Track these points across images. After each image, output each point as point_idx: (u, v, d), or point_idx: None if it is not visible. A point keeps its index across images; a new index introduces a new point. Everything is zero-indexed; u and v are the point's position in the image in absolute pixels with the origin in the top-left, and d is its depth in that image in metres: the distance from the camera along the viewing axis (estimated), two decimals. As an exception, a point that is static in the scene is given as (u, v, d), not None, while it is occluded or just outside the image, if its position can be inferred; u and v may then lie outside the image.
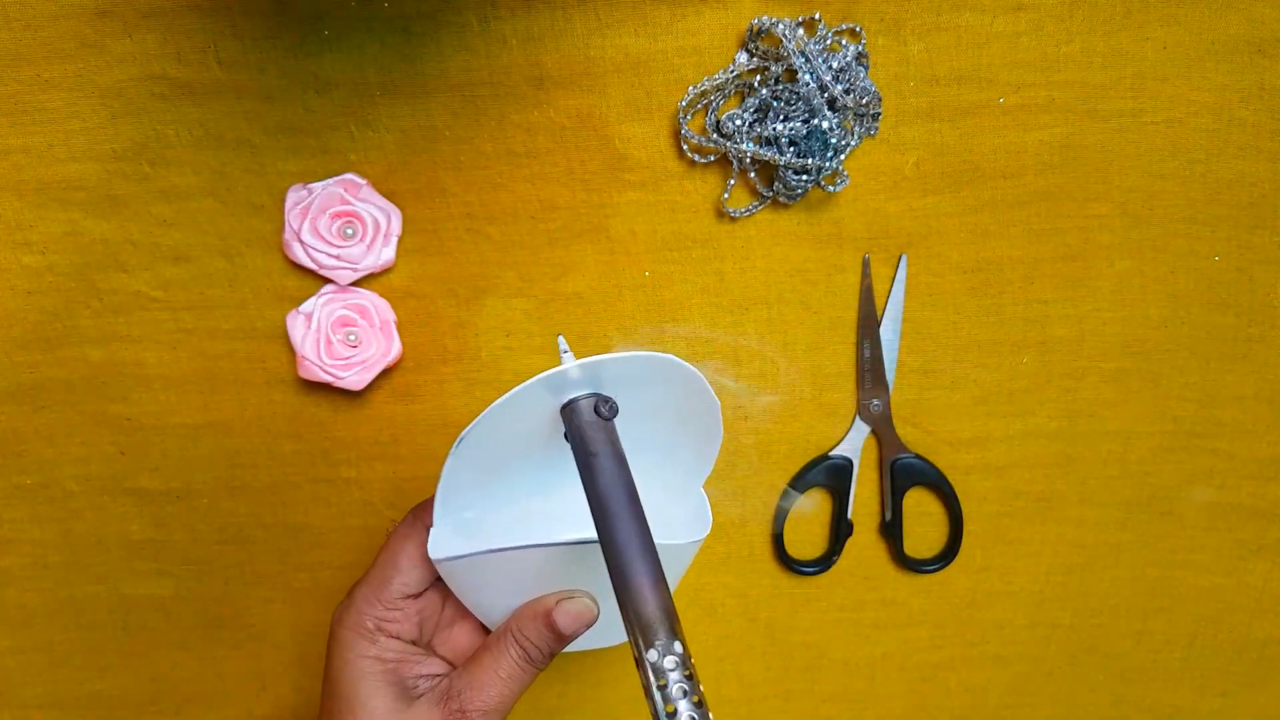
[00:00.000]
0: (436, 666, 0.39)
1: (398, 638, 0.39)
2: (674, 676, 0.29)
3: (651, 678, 0.30)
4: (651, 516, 0.34)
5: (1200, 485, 0.49)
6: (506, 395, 0.34)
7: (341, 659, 0.38)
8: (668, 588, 0.32)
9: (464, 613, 0.41)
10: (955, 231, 0.45)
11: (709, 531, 0.39)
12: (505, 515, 0.39)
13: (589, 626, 0.37)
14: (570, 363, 0.34)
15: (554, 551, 0.37)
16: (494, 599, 0.39)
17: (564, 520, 0.37)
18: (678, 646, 0.30)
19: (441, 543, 0.37)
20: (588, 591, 0.38)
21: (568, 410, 0.35)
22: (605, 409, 0.33)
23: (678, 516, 0.41)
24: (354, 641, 0.38)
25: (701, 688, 0.30)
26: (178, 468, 0.48)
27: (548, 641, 0.37)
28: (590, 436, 0.34)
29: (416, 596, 0.39)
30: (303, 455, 0.48)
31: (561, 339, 0.36)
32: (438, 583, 0.40)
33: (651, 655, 0.30)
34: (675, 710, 0.29)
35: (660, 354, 0.36)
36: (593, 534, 0.34)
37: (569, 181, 0.44)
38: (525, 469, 0.39)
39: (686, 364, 0.36)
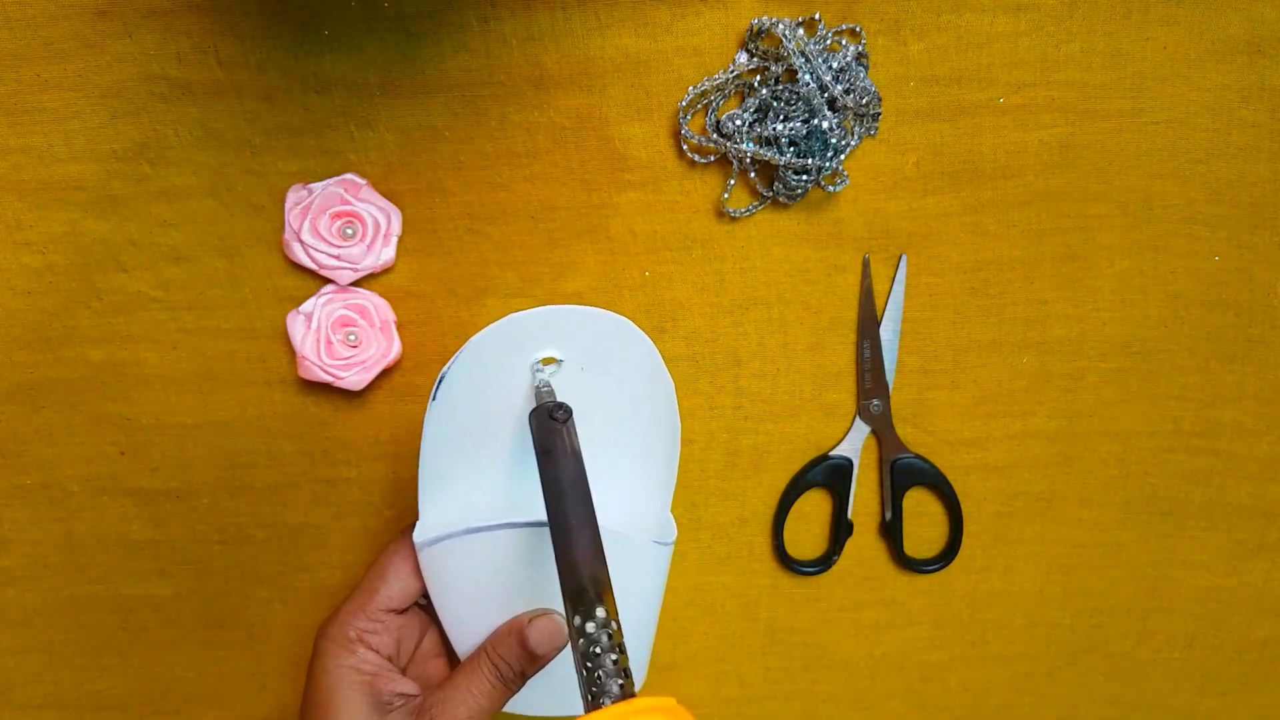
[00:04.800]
0: (411, 688, 0.40)
1: (376, 651, 0.40)
2: (601, 639, 0.31)
3: (579, 642, 0.32)
4: (619, 519, 0.37)
5: (1200, 485, 0.49)
6: (475, 337, 0.38)
7: (321, 668, 0.39)
8: (604, 562, 0.34)
9: (441, 648, 0.43)
10: (955, 231, 0.45)
11: (673, 539, 0.42)
12: (487, 508, 0.41)
13: (559, 647, 0.39)
14: (528, 311, 0.38)
15: (528, 539, 0.38)
16: (472, 599, 0.40)
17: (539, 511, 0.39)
18: (600, 612, 0.32)
19: (425, 530, 0.40)
20: (560, 611, 0.39)
21: (531, 416, 0.38)
22: (559, 414, 0.37)
23: (645, 524, 0.43)
24: (334, 652, 0.39)
25: (626, 656, 0.32)
26: (178, 468, 0.48)
27: (519, 659, 0.38)
28: (547, 436, 0.36)
29: (399, 613, 0.41)
30: (303, 455, 0.48)
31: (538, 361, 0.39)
32: (420, 608, 0.42)
33: (576, 620, 0.32)
34: (598, 675, 0.31)
35: (620, 317, 0.39)
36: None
37: (569, 181, 0.44)
38: (506, 463, 0.40)
39: (641, 332, 0.40)
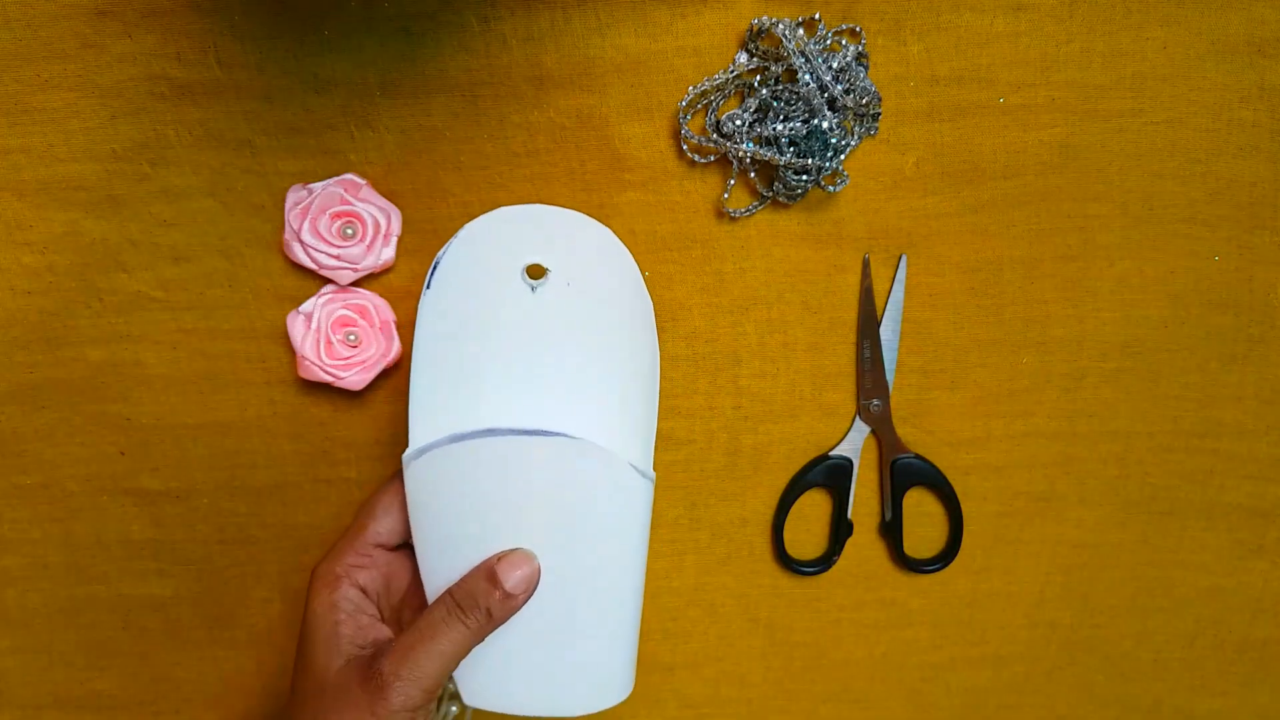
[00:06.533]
0: (386, 634, 0.39)
1: (361, 589, 0.39)
2: None
3: None
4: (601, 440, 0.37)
5: (1200, 485, 0.49)
6: (468, 225, 0.39)
7: (308, 605, 0.39)
8: None
9: None
10: (955, 231, 0.45)
11: (652, 477, 0.40)
12: (472, 416, 0.40)
13: (532, 585, 0.38)
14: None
15: (512, 449, 0.38)
16: (449, 515, 0.39)
17: (527, 416, 0.40)
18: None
19: (413, 443, 0.39)
20: (530, 551, 0.39)
21: None
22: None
23: (626, 450, 0.41)
24: (318, 588, 0.39)
25: None
26: (178, 468, 0.48)
27: (485, 595, 0.37)
28: None
29: (390, 550, 0.40)
30: (303, 455, 0.48)
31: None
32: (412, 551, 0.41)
33: None
34: None
35: (598, 224, 0.40)
36: (549, 425, 0.38)
37: (569, 181, 0.44)
38: (494, 369, 0.40)
39: (623, 245, 0.40)
